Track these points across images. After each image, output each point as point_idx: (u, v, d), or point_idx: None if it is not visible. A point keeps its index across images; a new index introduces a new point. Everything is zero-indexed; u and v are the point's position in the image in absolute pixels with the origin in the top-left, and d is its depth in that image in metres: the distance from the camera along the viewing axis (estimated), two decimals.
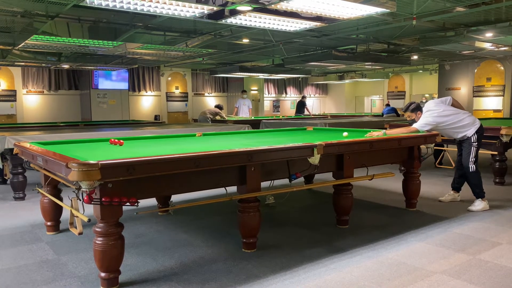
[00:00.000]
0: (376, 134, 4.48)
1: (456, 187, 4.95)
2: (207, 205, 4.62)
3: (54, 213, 3.87)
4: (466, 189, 4.84)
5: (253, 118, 11.65)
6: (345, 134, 4.62)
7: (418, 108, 4.77)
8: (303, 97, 14.65)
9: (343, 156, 3.84)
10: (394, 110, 12.51)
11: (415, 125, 4.57)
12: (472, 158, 4.57)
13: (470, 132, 4.61)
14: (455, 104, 4.74)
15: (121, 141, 4.08)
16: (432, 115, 4.55)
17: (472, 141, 4.62)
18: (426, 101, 18.08)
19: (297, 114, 13.96)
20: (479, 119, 9.28)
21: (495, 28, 7.07)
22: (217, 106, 11.01)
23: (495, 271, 2.91)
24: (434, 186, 5.77)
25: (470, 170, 4.57)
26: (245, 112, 12.57)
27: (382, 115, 12.58)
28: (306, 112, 13.89)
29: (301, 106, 14.12)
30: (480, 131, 4.63)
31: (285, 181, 3.74)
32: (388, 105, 13.29)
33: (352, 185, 3.97)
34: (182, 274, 2.93)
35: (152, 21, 6.32)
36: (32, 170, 5.12)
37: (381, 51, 10.16)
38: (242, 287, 2.71)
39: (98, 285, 2.74)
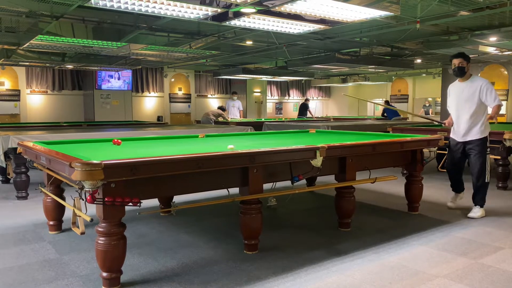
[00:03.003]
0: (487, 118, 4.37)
1: (458, 190, 4.77)
2: (209, 206, 4.62)
3: (56, 213, 3.88)
4: (467, 198, 4.79)
5: (255, 120, 11.66)
6: (230, 146, 3.50)
7: (470, 60, 4.50)
8: (306, 99, 14.65)
9: (346, 159, 3.84)
10: (396, 111, 12.50)
11: (495, 103, 4.28)
12: (488, 167, 4.40)
13: (487, 131, 4.39)
14: None
15: (119, 141, 4.09)
16: (489, 83, 4.36)
17: (487, 144, 4.41)
18: (429, 105, 17.91)
19: (299, 116, 13.96)
20: None
21: (499, 33, 7.06)
22: (220, 108, 11.04)
23: (497, 275, 2.90)
24: (437, 190, 5.75)
25: (486, 181, 4.41)
26: (234, 114, 12.52)
27: (384, 114, 12.53)
28: (308, 115, 13.89)
29: (304, 108, 14.12)
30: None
31: (287, 183, 3.74)
32: (388, 103, 13.22)
33: (355, 188, 3.97)
34: (183, 275, 2.93)
35: (156, 23, 6.34)
36: (35, 170, 5.14)
37: (385, 55, 10.15)
38: None
39: (100, 284, 2.75)
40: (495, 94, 4.29)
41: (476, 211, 4.43)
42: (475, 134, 4.35)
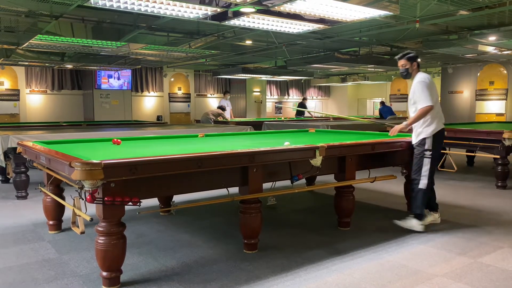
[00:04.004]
0: (398, 127, 4.10)
1: (432, 206, 4.15)
2: (208, 205, 4.63)
3: (56, 212, 3.88)
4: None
5: (255, 119, 11.65)
6: (286, 143, 3.77)
7: (415, 59, 4.00)
8: (304, 98, 14.66)
9: (345, 158, 3.85)
10: (392, 110, 12.51)
11: (422, 105, 3.80)
12: (426, 172, 3.83)
13: (428, 131, 3.85)
14: None
15: (119, 140, 4.11)
16: (426, 81, 3.86)
17: (426, 147, 3.83)
18: None
19: (297, 116, 13.93)
20: (483, 123, 9.25)
21: (498, 32, 7.07)
22: (220, 107, 11.03)
23: (496, 274, 2.90)
24: (436, 189, 5.74)
25: (421, 187, 3.85)
26: (227, 113, 12.49)
27: (380, 115, 12.54)
28: (307, 114, 13.87)
29: (301, 107, 14.10)
30: (439, 135, 3.90)
31: (287, 182, 3.74)
32: (383, 103, 13.21)
33: (354, 187, 3.98)
34: (183, 274, 2.93)
35: (155, 22, 6.34)
36: (35, 169, 5.14)
37: (384, 54, 10.16)
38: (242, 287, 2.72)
39: (100, 284, 2.75)
40: (425, 95, 3.80)
41: (407, 221, 3.91)
42: (417, 136, 3.97)
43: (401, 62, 4.03)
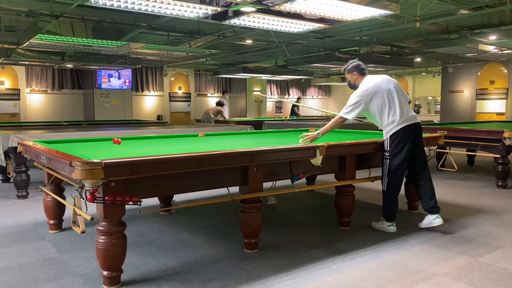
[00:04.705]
0: (310, 135, 3.76)
1: (430, 208, 3.89)
2: (209, 205, 4.63)
3: (57, 212, 3.88)
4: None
5: (255, 118, 11.64)
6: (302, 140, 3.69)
7: (357, 69, 3.82)
8: (298, 98, 14.66)
9: (346, 158, 3.85)
10: None
11: (340, 113, 3.74)
12: (385, 173, 3.83)
13: (383, 134, 3.86)
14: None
15: (119, 140, 4.11)
16: (360, 94, 3.71)
17: (385, 147, 3.82)
18: (419, 104, 17.61)
19: (291, 116, 13.87)
20: (483, 122, 9.24)
21: (499, 31, 7.07)
22: (219, 104, 10.83)
23: (497, 273, 2.91)
24: (436, 189, 5.73)
25: (383, 189, 3.89)
26: (225, 112, 12.48)
27: None
28: (303, 114, 13.83)
29: (295, 107, 14.06)
30: (396, 134, 3.74)
31: (287, 182, 3.74)
32: None
33: (354, 186, 3.98)
34: (183, 274, 2.94)
35: (156, 22, 6.35)
36: (35, 169, 5.14)
37: (384, 53, 10.16)
38: (243, 287, 2.72)
39: (100, 283, 2.75)
40: (348, 106, 3.73)
41: (379, 223, 3.93)
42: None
43: (346, 76, 3.99)
